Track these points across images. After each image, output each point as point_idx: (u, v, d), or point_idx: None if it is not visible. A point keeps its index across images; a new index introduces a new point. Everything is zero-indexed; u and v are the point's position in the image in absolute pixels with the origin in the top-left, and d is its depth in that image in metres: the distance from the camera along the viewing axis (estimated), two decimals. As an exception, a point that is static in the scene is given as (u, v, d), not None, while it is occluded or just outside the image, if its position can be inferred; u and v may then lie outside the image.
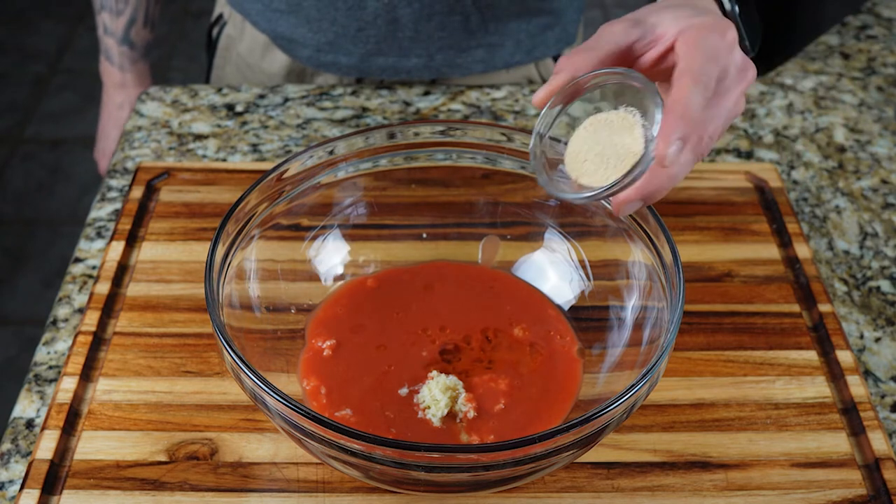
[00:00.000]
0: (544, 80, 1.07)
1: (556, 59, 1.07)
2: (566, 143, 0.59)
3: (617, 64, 0.60)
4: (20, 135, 2.43)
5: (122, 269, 0.78)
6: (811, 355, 0.72)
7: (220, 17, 1.09)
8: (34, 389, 0.71)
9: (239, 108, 0.97)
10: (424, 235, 0.76)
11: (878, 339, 0.76)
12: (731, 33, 0.59)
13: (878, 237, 0.84)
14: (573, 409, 0.65)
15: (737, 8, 0.65)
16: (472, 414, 0.64)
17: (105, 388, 0.69)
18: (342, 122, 0.95)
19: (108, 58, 1.10)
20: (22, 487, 0.63)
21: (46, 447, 0.65)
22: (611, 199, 0.58)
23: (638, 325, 0.66)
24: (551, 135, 0.59)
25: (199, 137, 0.93)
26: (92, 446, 0.65)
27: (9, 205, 2.24)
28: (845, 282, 0.80)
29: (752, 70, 0.60)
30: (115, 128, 1.12)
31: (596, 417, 0.54)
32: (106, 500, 0.62)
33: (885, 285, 0.80)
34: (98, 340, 0.72)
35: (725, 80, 0.58)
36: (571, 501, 0.63)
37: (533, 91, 0.99)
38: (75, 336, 0.72)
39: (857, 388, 0.69)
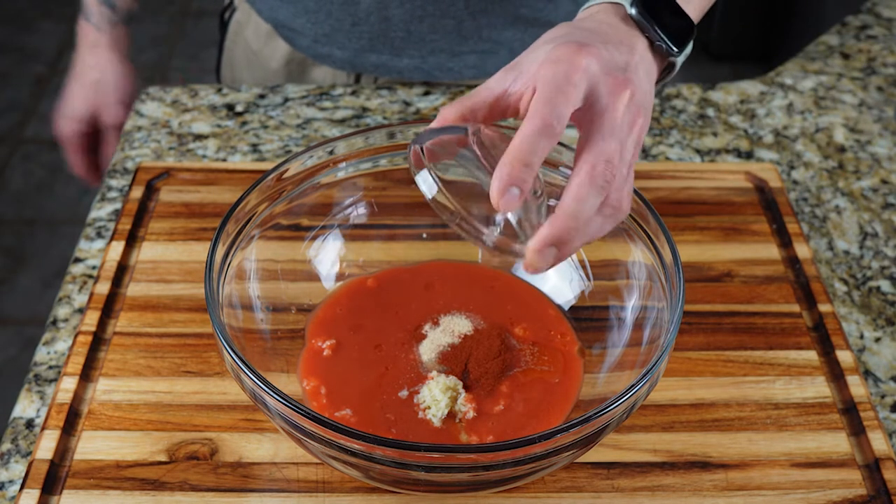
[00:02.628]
0: None
1: None
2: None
3: (494, 111, 0.58)
4: (20, 135, 2.43)
5: (122, 269, 0.78)
6: (811, 355, 0.72)
7: (231, 2, 1.10)
8: (34, 389, 0.71)
9: (239, 108, 0.97)
10: (424, 235, 0.76)
11: (878, 339, 0.76)
12: (586, 57, 0.54)
13: (878, 237, 0.84)
14: (573, 409, 0.65)
15: (634, 10, 0.60)
16: (471, 414, 0.64)
17: (105, 388, 0.69)
18: (342, 122, 0.95)
19: (86, 17, 1.08)
20: (22, 487, 0.63)
21: (46, 447, 0.65)
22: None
23: (638, 325, 0.66)
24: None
25: (199, 137, 0.93)
26: (92, 446, 0.65)
27: (9, 205, 2.24)
28: (845, 282, 0.80)
29: (630, 85, 0.56)
30: (80, 87, 1.10)
31: (596, 417, 0.54)
32: (106, 500, 0.62)
33: (885, 285, 0.80)
34: (98, 340, 0.72)
35: (598, 101, 0.55)
36: (571, 501, 0.63)
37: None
38: (75, 336, 0.72)
39: (857, 388, 0.69)
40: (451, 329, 0.68)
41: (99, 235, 0.83)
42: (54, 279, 2.04)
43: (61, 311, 0.77)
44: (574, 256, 0.72)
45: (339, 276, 0.73)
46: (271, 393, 0.54)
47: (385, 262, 0.75)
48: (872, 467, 0.65)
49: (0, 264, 2.10)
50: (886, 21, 1.13)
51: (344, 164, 0.71)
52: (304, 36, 1.01)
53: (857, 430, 0.67)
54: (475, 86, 1.00)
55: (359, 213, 0.74)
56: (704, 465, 0.65)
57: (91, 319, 0.73)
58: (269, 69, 1.06)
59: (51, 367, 0.72)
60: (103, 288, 0.75)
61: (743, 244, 0.81)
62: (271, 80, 1.05)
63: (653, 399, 0.69)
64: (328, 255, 0.73)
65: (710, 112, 0.98)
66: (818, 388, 0.70)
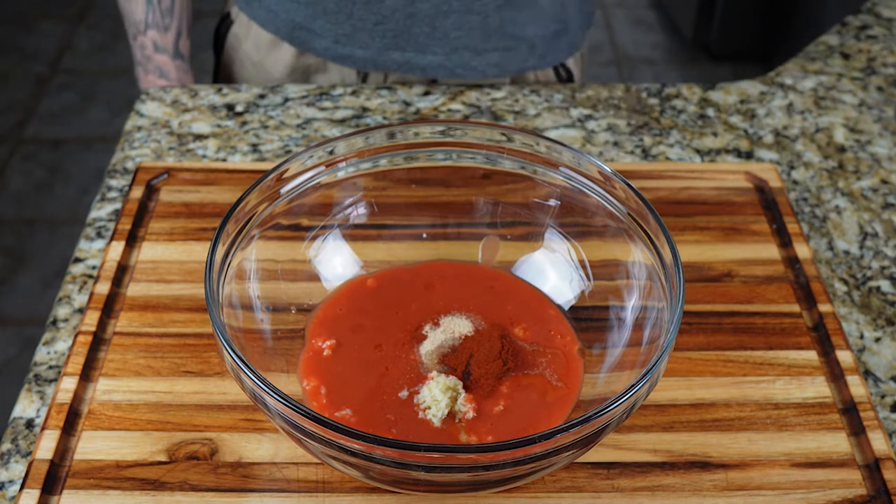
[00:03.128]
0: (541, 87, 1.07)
1: (556, 69, 1.07)
2: None
3: None
4: (20, 135, 2.43)
5: (122, 269, 0.78)
6: (811, 355, 0.72)
7: (228, 15, 1.10)
8: (34, 389, 0.71)
9: (239, 108, 0.97)
10: (424, 235, 0.76)
11: (878, 339, 0.76)
12: None
13: (878, 237, 0.84)
14: (573, 409, 0.65)
15: None
16: (471, 414, 0.64)
17: (105, 388, 0.69)
18: (342, 122, 0.95)
19: (163, 75, 1.06)
20: (22, 487, 0.63)
21: (46, 447, 0.65)
22: None
23: (638, 325, 0.66)
24: None
25: (199, 137, 0.93)
26: (92, 446, 0.65)
27: (9, 205, 2.24)
28: (845, 282, 0.80)
29: None
30: None
31: (596, 417, 0.54)
32: (106, 500, 0.62)
33: (885, 285, 0.80)
34: (98, 340, 0.72)
35: None
36: (571, 501, 0.63)
37: (534, 91, 0.99)
38: (75, 336, 0.72)
39: (857, 388, 0.69)
40: (451, 329, 0.68)
41: (99, 235, 0.83)
42: (54, 279, 2.04)
43: (61, 311, 0.77)
44: (574, 256, 0.73)
45: (339, 276, 0.73)
46: (271, 393, 0.54)
47: (385, 262, 0.75)
48: (872, 467, 0.65)
49: (0, 264, 2.10)
50: (886, 21, 1.13)
51: (344, 164, 0.71)
52: (324, 37, 1.01)
53: (857, 430, 0.67)
54: (478, 84, 1.01)
55: (359, 213, 0.74)
56: (704, 465, 0.65)
57: (91, 319, 0.73)
58: (272, 80, 1.06)
59: (51, 367, 0.72)
60: (103, 288, 0.75)
61: (743, 244, 0.81)
62: None
63: (653, 399, 0.69)
64: (328, 255, 0.73)
65: (710, 112, 0.98)
66: (818, 388, 0.70)
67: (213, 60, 1.15)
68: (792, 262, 0.79)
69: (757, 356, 0.72)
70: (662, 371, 0.58)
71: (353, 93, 0.99)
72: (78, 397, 0.68)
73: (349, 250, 0.74)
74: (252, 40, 1.06)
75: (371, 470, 0.56)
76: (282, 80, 1.06)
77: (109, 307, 0.75)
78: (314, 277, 0.73)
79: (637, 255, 0.67)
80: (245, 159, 0.91)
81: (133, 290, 0.76)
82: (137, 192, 0.84)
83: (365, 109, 0.97)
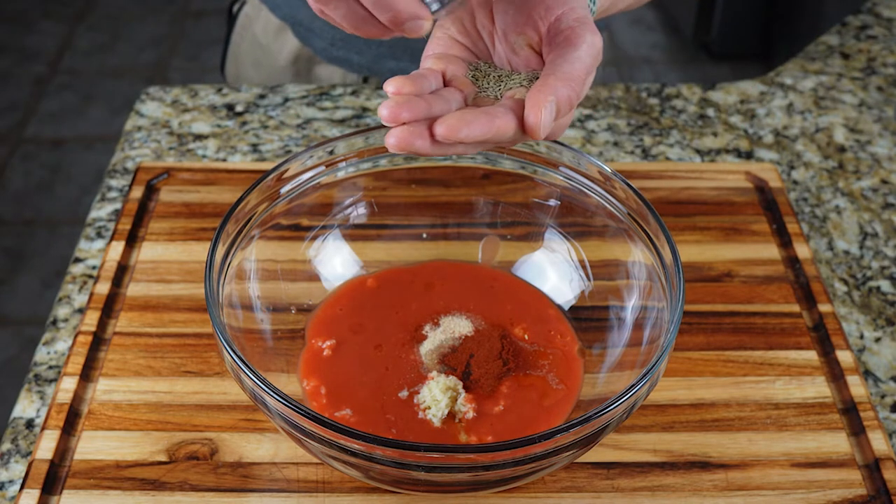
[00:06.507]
0: None
1: None
2: None
3: None
4: (20, 135, 2.43)
5: (122, 269, 0.78)
6: (811, 355, 0.72)
7: None
8: (34, 389, 0.71)
9: (239, 108, 0.97)
10: (424, 235, 0.76)
11: (878, 339, 0.76)
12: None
13: (878, 237, 0.84)
14: (573, 409, 0.65)
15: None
16: (471, 415, 0.64)
17: (105, 388, 0.69)
18: (342, 122, 0.95)
19: None
20: (22, 487, 0.63)
21: (46, 447, 0.65)
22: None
23: (638, 325, 0.66)
24: None
25: (199, 137, 0.93)
26: (92, 446, 0.65)
27: (9, 205, 2.24)
28: (845, 282, 0.80)
29: None
30: None
31: (596, 417, 0.54)
32: (106, 500, 0.62)
33: (885, 285, 0.80)
34: (98, 340, 0.72)
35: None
36: (571, 501, 0.63)
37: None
38: (75, 336, 0.72)
39: (857, 388, 0.69)
40: (451, 329, 0.68)
41: (99, 235, 0.83)
42: (54, 279, 2.04)
43: (61, 311, 0.77)
44: (574, 256, 0.73)
45: (339, 276, 0.73)
46: (271, 393, 0.54)
47: (385, 262, 0.75)
48: (872, 467, 0.65)
49: (0, 264, 2.10)
50: (886, 21, 1.13)
51: (344, 164, 0.71)
52: (322, 38, 1.01)
53: (857, 430, 0.67)
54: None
55: (359, 213, 0.74)
56: (704, 465, 0.65)
57: (91, 319, 0.73)
58: (276, 65, 1.06)
59: (51, 367, 0.72)
60: (103, 288, 0.75)
61: (743, 244, 0.81)
62: (277, 77, 1.05)
63: (653, 399, 0.69)
64: (328, 255, 0.73)
65: (710, 112, 0.98)
66: (818, 388, 0.70)
67: (217, 57, 1.15)
68: (792, 262, 0.79)
69: (757, 356, 0.72)
70: (662, 371, 0.58)
71: (353, 93, 0.99)
72: (78, 397, 0.68)
73: (349, 250, 0.74)
74: (262, 22, 1.06)
75: (371, 470, 0.56)
76: (286, 67, 1.06)
77: (109, 307, 0.75)
78: (314, 277, 0.73)
79: (637, 255, 0.67)
80: (245, 159, 0.91)
81: (133, 290, 0.76)
82: (137, 192, 0.84)
83: (365, 109, 0.97)
